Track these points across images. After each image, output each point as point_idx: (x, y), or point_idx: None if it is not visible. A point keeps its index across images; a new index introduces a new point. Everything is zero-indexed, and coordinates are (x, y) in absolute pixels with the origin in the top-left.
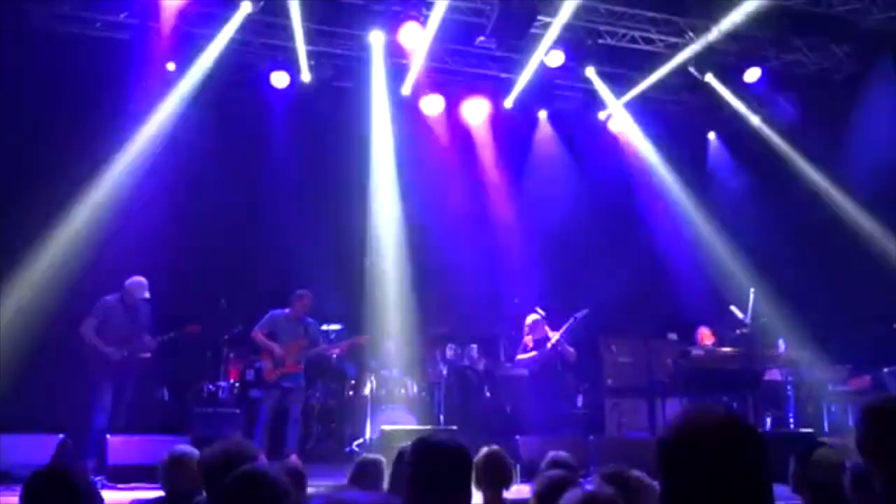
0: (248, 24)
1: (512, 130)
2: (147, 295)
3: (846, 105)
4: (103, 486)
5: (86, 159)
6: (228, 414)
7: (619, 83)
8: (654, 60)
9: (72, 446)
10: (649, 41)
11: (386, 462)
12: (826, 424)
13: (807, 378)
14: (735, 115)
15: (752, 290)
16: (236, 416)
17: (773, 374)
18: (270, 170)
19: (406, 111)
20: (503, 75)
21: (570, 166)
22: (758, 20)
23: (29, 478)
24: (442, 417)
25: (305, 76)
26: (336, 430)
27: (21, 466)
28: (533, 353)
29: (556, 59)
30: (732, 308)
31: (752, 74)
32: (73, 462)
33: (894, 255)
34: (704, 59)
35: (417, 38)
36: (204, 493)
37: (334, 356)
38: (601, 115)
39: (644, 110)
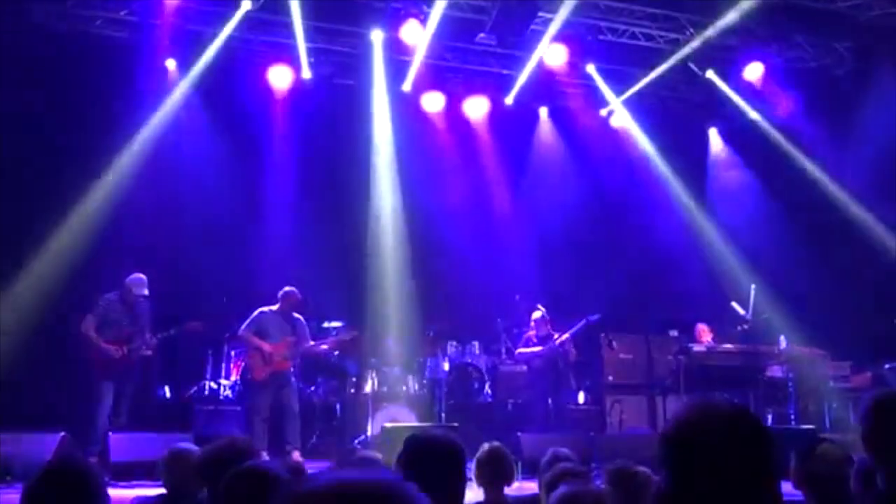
0: (249, 22)
1: (513, 127)
2: (146, 292)
3: (847, 101)
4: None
5: (86, 156)
6: (230, 411)
7: (619, 79)
8: (655, 57)
9: (73, 443)
10: (650, 37)
11: (386, 459)
12: (827, 421)
13: (808, 374)
14: (735, 111)
15: (753, 286)
16: (238, 414)
17: (774, 371)
18: (271, 167)
19: (407, 108)
20: (504, 72)
21: (571, 163)
22: (758, 16)
23: (37, 473)
24: (443, 414)
25: (306, 73)
26: (337, 427)
27: (23, 464)
28: (536, 349)
29: (557, 55)
30: (733, 304)
31: (753, 70)
32: (78, 457)
33: (895, 252)
34: (705, 56)
35: (418, 35)
36: (206, 490)
37: (327, 350)
38: (602, 112)
39: (644, 106)
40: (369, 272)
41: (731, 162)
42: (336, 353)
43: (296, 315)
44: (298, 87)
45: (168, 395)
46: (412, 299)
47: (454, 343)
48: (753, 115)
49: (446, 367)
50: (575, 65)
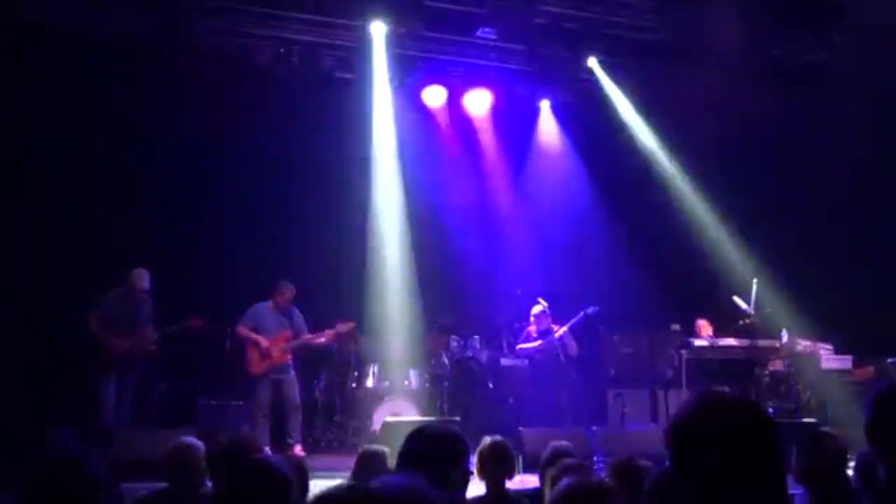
0: (249, 15)
1: (514, 121)
2: (148, 285)
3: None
4: None
5: (87, 152)
6: (233, 407)
7: (621, 73)
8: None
9: (76, 438)
10: (652, 31)
11: (389, 453)
12: (829, 415)
13: (809, 369)
14: None
15: (755, 280)
16: (241, 409)
17: (776, 365)
18: (271, 162)
19: (408, 102)
20: (505, 66)
21: (573, 157)
22: None
23: (38, 466)
24: (445, 409)
25: (307, 67)
26: (339, 422)
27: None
28: (536, 343)
29: (558, 49)
30: (735, 298)
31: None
32: (80, 451)
33: None
34: None
35: (419, 30)
36: (208, 485)
37: (325, 343)
38: (603, 106)
39: (646, 101)
40: (370, 267)
41: (732, 155)
42: (337, 347)
43: (292, 308)
44: (299, 81)
45: (171, 390)
46: (413, 294)
47: (456, 337)
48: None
49: (448, 361)
50: (576, 58)
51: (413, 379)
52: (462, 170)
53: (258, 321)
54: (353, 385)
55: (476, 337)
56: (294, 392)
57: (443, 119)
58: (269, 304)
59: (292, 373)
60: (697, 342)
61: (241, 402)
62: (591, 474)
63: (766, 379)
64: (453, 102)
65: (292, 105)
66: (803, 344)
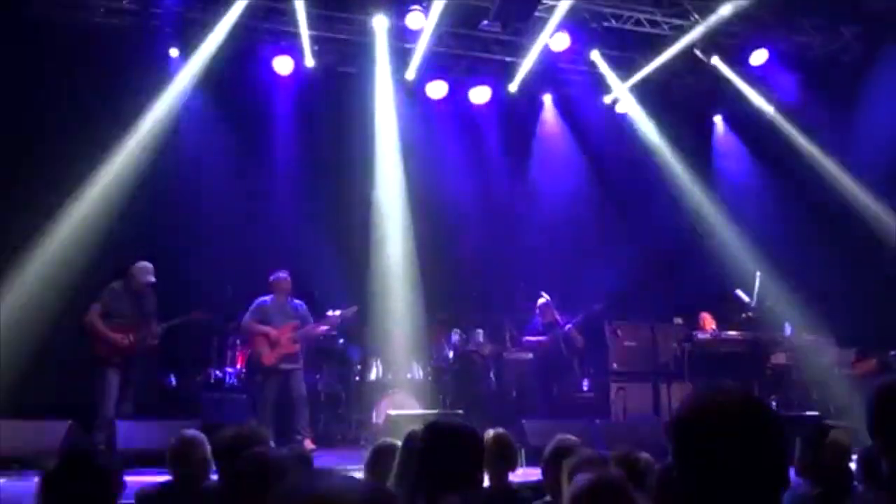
0: (251, 9)
1: (516, 115)
2: (152, 279)
3: (852, 87)
4: None
5: (89, 146)
6: (236, 400)
7: (624, 66)
8: (660, 43)
9: (80, 431)
10: (654, 24)
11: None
12: (831, 408)
13: (812, 362)
14: (741, 97)
15: (757, 273)
16: (243, 402)
17: (779, 358)
18: (274, 156)
19: (411, 96)
20: (508, 59)
21: (575, 150)
22: (763, 1)
23: (55, 463)
24: (448, 402)
25: (309, 61)
26: (342, 415)
27: (31, 452)
28: (541, 338)
29: (561, 42)
30: (738, 292)
31: (759, 56)
32: (93, 445)
33: None
34: (709, 42)
35: (421, 23)
36: (212, 477)
37: (330, 331)
38: (606, 99)
39: (649, 93)
40: (373, 260)
41: (736, 149)
42: (341, 340)
43: (294, 300)
44: (302, 75)
45: (174, 383)
46: (416, 287)
47: (458, 331)
48: (759, 101)
49: (450, 354)
50: (579, 52)
51: (415, 372)
52: (464, 163)
53: (264, 314)
54: (356, 378)
55: (479, 330)
56: (302, 385)
57: (445, 112)
58: (272, 297)
59: (301, 362)
60: (700, 335)
61: (244, 395)
62: (609, 467)
63: (769, 372)
64: (456, 96)
65: (294, 99)
66: (806, 337)
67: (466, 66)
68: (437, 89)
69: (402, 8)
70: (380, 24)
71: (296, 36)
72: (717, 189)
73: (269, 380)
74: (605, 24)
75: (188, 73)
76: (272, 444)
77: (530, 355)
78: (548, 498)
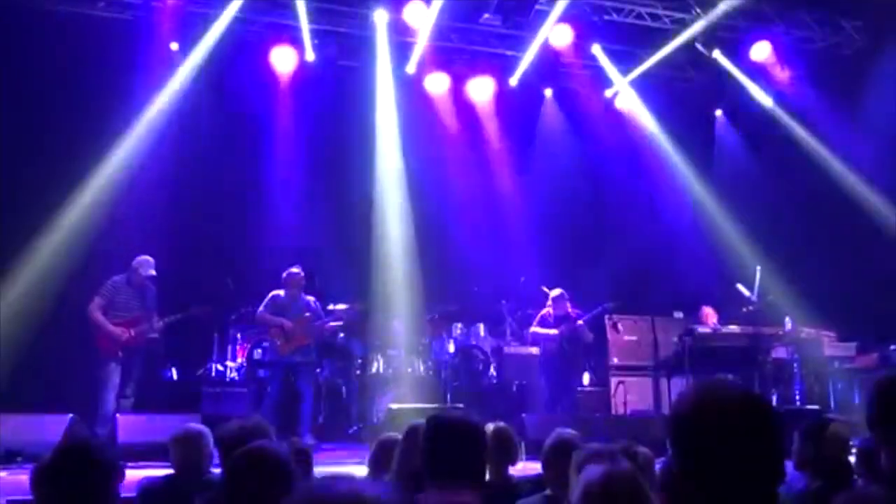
0: (252, 3)
1: (517, 108)
2: (153, 272)
3: (854, 80)
4: None
5: (90, 140)
6: (237, 393)
7: (625, 60)
8: (661, 37)
9: (81, 424)
10: (655, 17)
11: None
12: (832, 402)
13: (813, 356)
14: (742, 91)
15: (758, 267)
16: (244, 396)
17: (780, 352)
18: (275, 149)
19: (411, 90)
20: (508, 53)
21: (576, 144)
22: None
23: (52, 454)
24: (448, 396)
25: (309, 55)
26: (343, 409)
27: (32, 446)
28: (552, 331)
29: (562, 36)
30: (739, 286)
31: (760, 50)
32: (90, 437)
33: None
34: (711, 35)
35: (422, 16)
36: (213, 471)
37: (336, 327)
38: (607, 93)
39: (650, 87)
40: (374, 254)
41: (737, 143)
42: (342, 335)
43: (305, 296)
44: (302, 69)
45: (175, 377)
46: (417, 281)
47: (459, 325)
48: (760, 95)
49: (451, 349)
50: (580, 45)
51: (416, 367)
52: (465, 157)
53: (278, 308)
54: (357, 372)
55: (480, 324)
56: (310, 382)
57: (446, 106)
58: (284, 291)
59: (313, 356)
60: (700, 329)
61: (244, 389)
62: (620, 461)
63: (770, 366)
64: (457, 89)
65: (295, 92)
66: (807, 331)
67: (467, 60)
68: (437, 83)
69: (402, 1)
70: (380, 17)
71: (296, 30)
72: (717, 183)
73: (275, 373)
74: (606, 17)
75: (188, 66)
76: (273, 437)
77: (533, 350)
78: (548, 491)
